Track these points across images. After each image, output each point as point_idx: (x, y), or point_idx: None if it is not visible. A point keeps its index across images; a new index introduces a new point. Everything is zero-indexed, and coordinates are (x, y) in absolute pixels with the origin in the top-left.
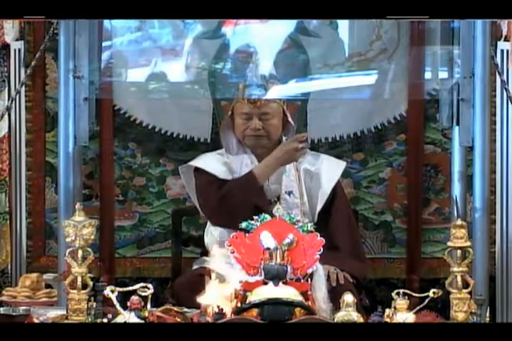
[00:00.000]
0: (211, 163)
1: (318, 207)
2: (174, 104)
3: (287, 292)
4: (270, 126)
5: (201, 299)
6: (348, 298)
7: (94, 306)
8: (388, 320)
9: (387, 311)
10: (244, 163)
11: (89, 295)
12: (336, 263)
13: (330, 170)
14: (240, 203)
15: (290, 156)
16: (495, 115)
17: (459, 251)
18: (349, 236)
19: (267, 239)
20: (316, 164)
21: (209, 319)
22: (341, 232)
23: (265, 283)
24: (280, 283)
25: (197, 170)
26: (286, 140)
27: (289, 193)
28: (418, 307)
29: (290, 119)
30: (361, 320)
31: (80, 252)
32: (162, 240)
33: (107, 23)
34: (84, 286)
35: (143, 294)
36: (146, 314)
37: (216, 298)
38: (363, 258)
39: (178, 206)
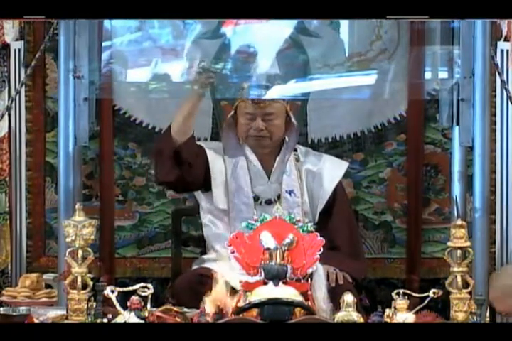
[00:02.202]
0: (216, 155)
1: (320, 208)
2: (174, 104)
3: (287, 292)
4: (273, 126)
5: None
6: (348, 298)
7: (94, 306)
8: (388, 320)
9: (387, 311)
10: (239, 165)
11: (89, 295)
12: (335, 264)
13: (332, 170)
14: (162, 156)
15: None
16: (495, 115)
17: (459, 251)
18: (349, 237)
19: (267, 239)
20: (318, 164)
21: (209, 319)
22: (341, 233)
23: (265, 283)
24: (280, 283)
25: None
26: (288, 140)
27: (290, 192)
28: (418, 307)
29: (293, 120)
30: (361, 320)
31: (80, 252)
32: (162, 240)
33: (107, 23)
34: (84, 286)
35: (143, 294)
36: (146, 314)
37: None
38: (361, 258)
39: (178, 206)
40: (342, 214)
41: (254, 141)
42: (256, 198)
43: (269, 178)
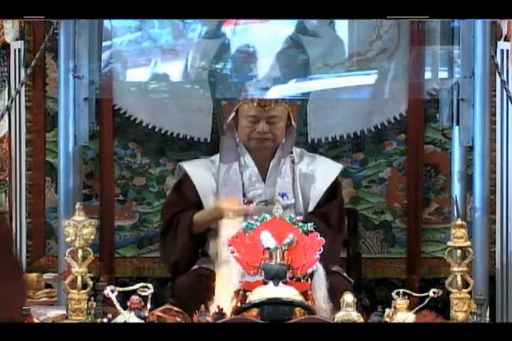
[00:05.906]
0: (200, 173)
1: (310, 208)
2: (174, 104)
3: (287, 292)
4: (277, 129)
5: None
6: (348, 297)
7: (94, 306)
8: (388, 319)
9: (387, 311)
10: (232, 170)
11: (89, 295)
12: None
13: (325, 172)
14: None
15: (221, 214)
16: (495, 115)
17: (459, 251)
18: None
19: (267, 239)
20: (311, 166)
21: (209, 319)
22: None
23: (265, 283)
24: (280, 283)
25: (186, 174)
26: (285, 143)
27: (282, 195)
28: (418, 307)
29: (293, 122)
30: (361, 320)
31: (79, 252)
32: None
33: (107, 23)
34: (84, 286)
35: (143, 294)
36: (146, 314)
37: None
38: (336, 261)
39: None
40: (331, 217)
41: (256, 143)
42: (249, 203)
43: (264, 182)
